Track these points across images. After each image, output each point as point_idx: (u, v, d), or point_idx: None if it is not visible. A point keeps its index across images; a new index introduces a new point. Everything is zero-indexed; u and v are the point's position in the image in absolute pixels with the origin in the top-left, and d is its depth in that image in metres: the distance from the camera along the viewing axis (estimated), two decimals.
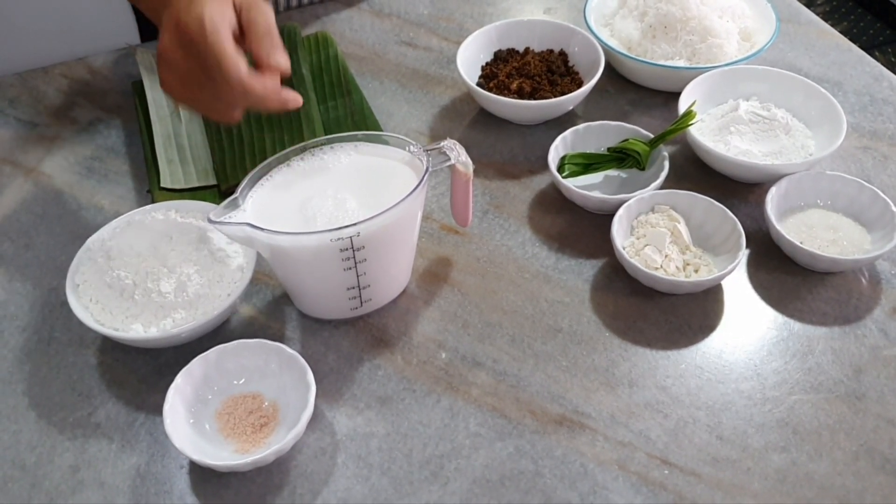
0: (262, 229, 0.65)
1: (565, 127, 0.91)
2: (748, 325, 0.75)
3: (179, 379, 0.67)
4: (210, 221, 0.65)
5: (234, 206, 0.68)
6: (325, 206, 0.69)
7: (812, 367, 0.72)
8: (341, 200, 0.70)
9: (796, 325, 0.75)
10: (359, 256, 0.69)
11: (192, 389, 0.67)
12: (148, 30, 1.15)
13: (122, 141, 0.96)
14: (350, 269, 0.69)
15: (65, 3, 1.13)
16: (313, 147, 0.74)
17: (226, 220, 0.66)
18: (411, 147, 0.74)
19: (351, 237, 0.67)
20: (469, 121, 0.98)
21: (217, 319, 0.71)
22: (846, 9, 2.86)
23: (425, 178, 0.70)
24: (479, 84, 0.97)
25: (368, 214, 0.67)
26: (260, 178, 0.71)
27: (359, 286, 0.72)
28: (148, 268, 0.71)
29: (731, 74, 0.92)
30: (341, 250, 0.67)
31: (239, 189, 0.69)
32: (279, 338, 0.75)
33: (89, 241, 0.76)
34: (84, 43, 1.10)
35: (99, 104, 1.01)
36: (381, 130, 0.94)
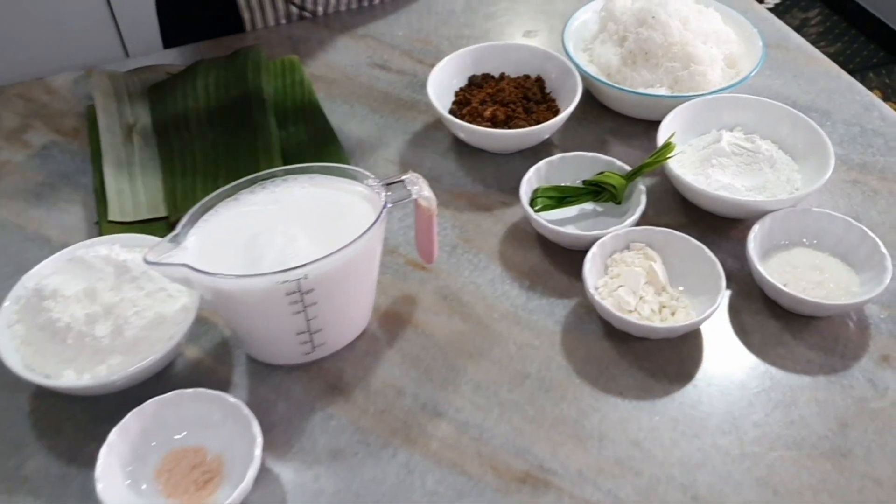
0: (199, 271, 0.60)
1: (541, 156, 0.86)
2: (727, 373, 0.71)
3: (113, 436, 0.62)
4: (146, 262, 0.61)
5: (176, 243, 0.63)
6: (274, 245, 0.64)
7: (795, 420, 0.67)
8: (291, 238, 0.65)
9: (779, 374, 0.70)
10: (308, 300, 0.64)
11: (128, 447, 0.62)
12: (173, 35, 1.15)
13: (75, 167, 0.91)
14: (299, 313, 0.65)
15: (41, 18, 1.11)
16: (264, 179, 0.69)
17: (163, 261, 0.61)
18: (369, 180, 0.69)
19: (298, 280, 0.62)
20: (442, 148, 0.94)
21: (157, 365, 0.67)
22: (840, 30, 2.83)
23: (382, 214, 0.66)
24: (451, 111, 0.93)
25: (320, 253, 0.62)
26: (204, 212, 0.66)
27: (309, 331, 0.67)
28: (82, 309, 0.66)
29: (714, 103, 0.87)
30: (287, 294, 0.63)
31: (180, 225, 0.64)
32: (226, 383, 0.70)
33: (24, 277, 0.71)
34: (65, 59, 1.08)
35: (55, 127, 0.97)
36: (347, 157, 0.90)
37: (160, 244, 0.62)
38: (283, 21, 1.14)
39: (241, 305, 0.64)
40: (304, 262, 0.61)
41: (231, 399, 0.64)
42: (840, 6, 2.91)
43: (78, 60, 1.08)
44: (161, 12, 1.18)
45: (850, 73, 2.36)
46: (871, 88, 2.60)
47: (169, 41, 1.17)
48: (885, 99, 2.50)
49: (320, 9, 1.14)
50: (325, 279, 0.63)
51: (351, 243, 0.62)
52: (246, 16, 1.12)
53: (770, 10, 2.74)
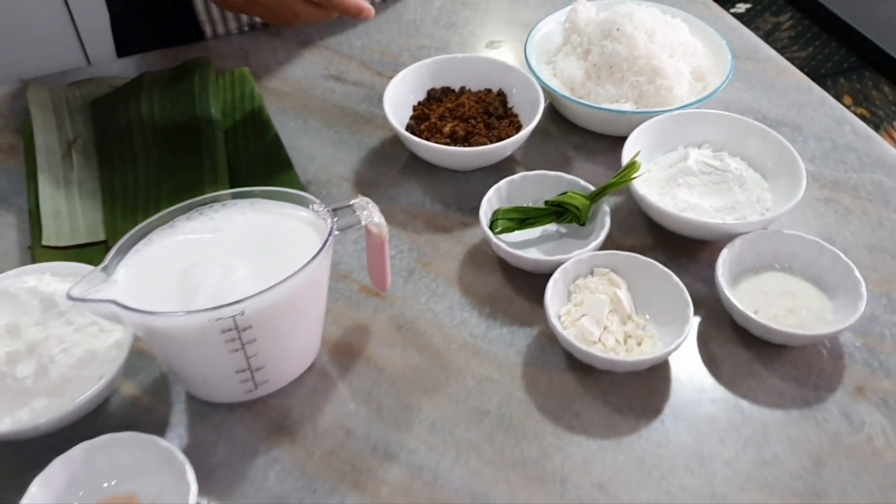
0: (128, 308, 0.55)
1: (503, 172, 0.83)
2: (696, 406, 0.67)
3: (34, 488, 0.57)
4: (69, 298, 0.56)
5: (106, 275, 0.59)
6: (211, 277, 0.60)
7: (767, 458, 0.64)
8: (229, 270, 0.60)
9: (750, 408, 0.67)
10: (246, 337, 0.59)
11: (52, 499, 0.57)
12: (125, 43, 1.11)
13: (10, 187, 0.86)
14: (237, 350, 0.60)
15: None
16: (202, 205, 0.65)
17: (88, 297, 0.56)
18: (315, 205, 0.65)
19: (234, 316, 0.57)
20: (400, 165, 0.89)
21: (86, 407, 0.62)
22: (811, 34, 2.82)
23: (328, 243, 0.61)
24: (409, 127, 0.89)
25: (259, 287, 0.58)
26: (136, 241, 0.62)
27: (250, 368, 0.62)
28: (3, 347, 0.61)
29: (681, 119, 0.84)
30: (223, 331, 0.58)
31: (108, 256, 0.59)
32: (164, 423, 0.66)
33: None
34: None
35: None
36: (297, 175, 0.85)
37: (87, 277, 0.58)
38: (247, 29, 1.09)
39: (174, 343, 0.60)
40: (239, 298, 0.57)
41: (164, 443, 0.59)
42: (812, 11, 2.90)
43: (37, 67, 1.04)
44: (115, 22, 1.13)
45: (822, 77, 2.34)
46: (841, 93, 2.60)
47: (122, 51, 1.12)
48: (856, 104, 2.49)
49: None
50: (265, 315, 0.59)
51: (291, 276, 0.58)
52: (207, 29, 1.07)
53: (741, 14, 2.73)
